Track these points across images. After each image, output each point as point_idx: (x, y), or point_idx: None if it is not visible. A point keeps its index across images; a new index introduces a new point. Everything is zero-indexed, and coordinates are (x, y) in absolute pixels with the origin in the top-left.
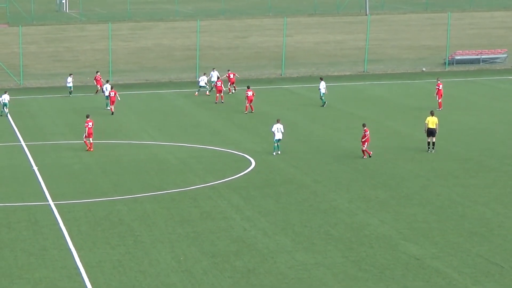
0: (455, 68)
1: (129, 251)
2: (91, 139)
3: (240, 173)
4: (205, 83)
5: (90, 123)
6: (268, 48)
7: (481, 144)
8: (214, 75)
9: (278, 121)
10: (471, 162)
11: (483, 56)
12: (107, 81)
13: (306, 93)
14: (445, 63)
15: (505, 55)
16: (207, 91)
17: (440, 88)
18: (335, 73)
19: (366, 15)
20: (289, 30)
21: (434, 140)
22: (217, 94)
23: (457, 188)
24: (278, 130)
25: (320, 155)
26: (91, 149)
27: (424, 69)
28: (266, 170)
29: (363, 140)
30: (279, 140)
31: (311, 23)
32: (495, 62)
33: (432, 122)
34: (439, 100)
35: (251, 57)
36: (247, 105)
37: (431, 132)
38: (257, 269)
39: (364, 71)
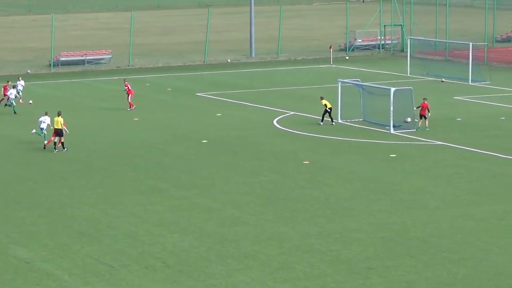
0: (60, 69)
1: None
2: None
3: None
4: None
5: None
6: None
7: (89, 145)
8: None
9: (46, 114)
10: (79, 163)
11: (88, 57)
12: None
13: None
14: (50, 64)
15: (109, 56)
16: None
17: (130, 88)
18: None
19: None
20: None
21: (62, 140)
22: None
23: (65, 190)
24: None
25: None
26: None
27: (29, 71)
28: None
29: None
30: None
31: None
32: (100, 63)
33: (57, 122)
34: (130, 100)
35: None
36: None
37: (57, 133)
38: None
39: None
